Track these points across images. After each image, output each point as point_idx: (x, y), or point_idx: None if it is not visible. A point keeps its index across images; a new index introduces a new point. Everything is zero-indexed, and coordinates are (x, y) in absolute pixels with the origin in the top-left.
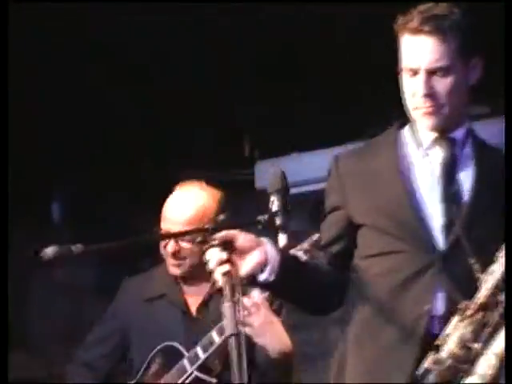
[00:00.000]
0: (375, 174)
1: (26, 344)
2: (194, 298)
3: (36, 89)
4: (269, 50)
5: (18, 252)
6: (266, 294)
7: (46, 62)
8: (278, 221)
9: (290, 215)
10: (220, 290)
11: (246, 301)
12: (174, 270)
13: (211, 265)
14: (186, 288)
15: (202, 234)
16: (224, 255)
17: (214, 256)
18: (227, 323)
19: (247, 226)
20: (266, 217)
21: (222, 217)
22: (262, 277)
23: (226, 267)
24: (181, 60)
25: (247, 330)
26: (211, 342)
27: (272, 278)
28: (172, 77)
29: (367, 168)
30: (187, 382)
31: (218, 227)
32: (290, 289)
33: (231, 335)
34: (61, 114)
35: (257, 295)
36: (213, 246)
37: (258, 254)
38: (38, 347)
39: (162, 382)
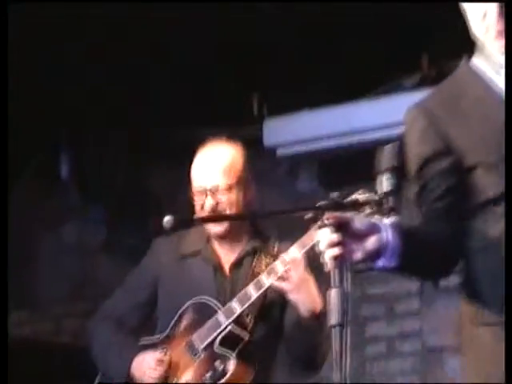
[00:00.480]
0: (472, 108)
1: (33, 302)
2: (227, 256)
3: (44, 45)
4: (278, 6)
5: (27, 210)
6: (305, 251)
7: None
8: (387, 203)
9: (401, 197)
10: (253, 252)
11: (285, 256)
12: (215, 228)
13: (321, 246)
14: (219, 246)
15: (312, 211)
16: (336, 237)
17: (325, 237)
18: (332, 311)
19: (357, 206)
20: (377, 196)
21: (334, 194)
22: (380, 263)
23: (337, 250)
24: (191, 19)
25: (284, 284)
26: (248, 297)
27: (391, 265)
28: (181, 35)
29: (460, 105)
30: (222, 335)
31: (328, 206)
32: (410, 267)
33: (336, 325)
34: (70, 70)
35: (296, 251)
36: (325, 225)
37: (376, 240)
38: (45, 305)
39: (194, 335)
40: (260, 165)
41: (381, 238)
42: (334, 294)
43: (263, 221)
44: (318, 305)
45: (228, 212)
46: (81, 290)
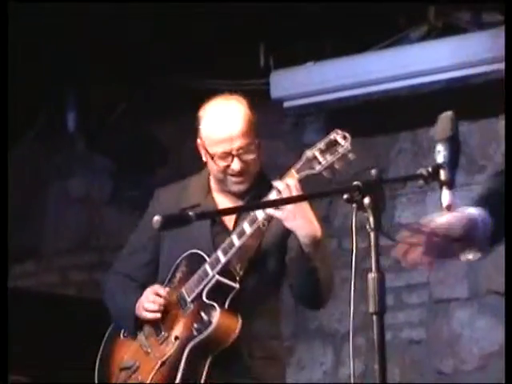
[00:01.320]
0: None
1: (39, 254)
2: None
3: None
4: None
5: (35, 163)
6: (299, 178)
7: None
8: (443, 174)
9: (458, 167)
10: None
11: (278, 184)
12: (238, 187)
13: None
14: (220, 199)
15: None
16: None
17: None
18: (371, 298)
19: (407, 180)
20: (429, 169)
21: (373, 171)
22: (468, 257)
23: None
24: None
25: (278, 213)
26: (231, 246)
27: (478, 256)
28: None
29: None
30: (209, 286)
31: (369, 182)
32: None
33: (374, 313)
34: (74, 19)
35: (290, 180)
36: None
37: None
38: (51, 257)
39: (184, 288)
40: (267, 117)
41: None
42: (372, 279)
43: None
44: (317, 230)
45: (251, 172)
46: (87, 242)
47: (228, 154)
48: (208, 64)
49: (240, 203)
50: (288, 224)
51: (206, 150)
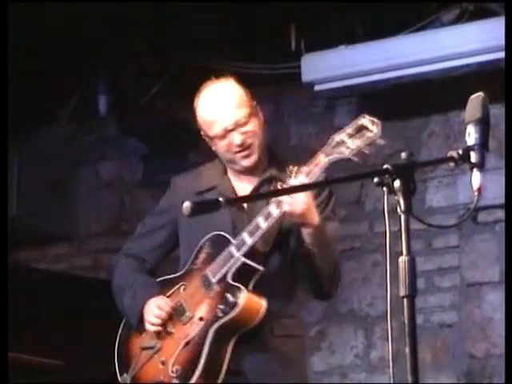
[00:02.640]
0: None
1: (71, 237)
2: (244, 188)
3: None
4: None
5: (66, 145)
6: (328, 162)
7: None
8: (474, 156)
9: (488, 150)
10: (270, 180)
11: (293, 183)
12: (246, 162)
13: None
14: (236, 179)
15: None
16: None
17: None
18: (402, 281)
19: (437, 163)
20: (459, 152)
21: (403, 154)
22: None
23: None
24: None
25: (290, 208)
26: (257, 227)
27: None
28: None
29: None
30: (234, 268)
31: (400, 166)
32: None
33: (405, 296)
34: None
35: (303, 178)
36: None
37: None
38: (83, 240)
39: (209, 269)
40: (298, 100)
41: None
42: (403, 262)
43: (281, 150)
44: (315, 218)
45: (255, 142)
46: (118, 226)
47: (226, 131)
48: (240, 47)
49: (254, 180)
50: (297, 220)
51: (208, 136)
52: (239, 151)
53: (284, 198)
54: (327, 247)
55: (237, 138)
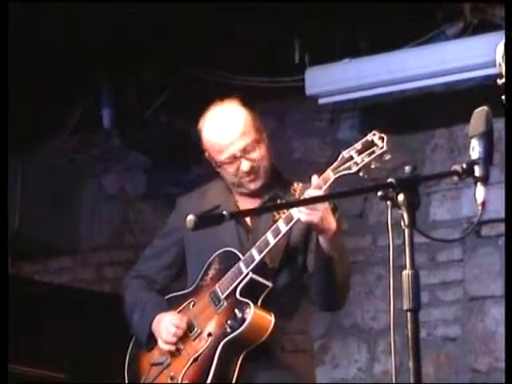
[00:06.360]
0: None
1: (74, 250)
2: (248, 206)
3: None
4: None
5: (70, 158)
6: (335, 178)
7: None
8: (478, 170)
9: (492, 164)
10: (274, 199)
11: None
12: (253, 186)
13: None
14: (240, 199)
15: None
16: None
17: None
18: (405, 295)
19: (441, 177)
20: (463, 166)
21: (407, 168)
22: None
23: None
24: None
25: (310, 217)
26: (267, 244)
27: None
28: None
29: None
30: (243, 284)
31: (403, 180)
32: None
33: (409, 310)
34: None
35: (315, 192)
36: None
37: None
38: (86, 253)
39: (218, 285)
40: (302, 114)
41: None
42: (407, 276)
43: (285, 163)
44: (333, 223)
45: (262, 168)
46: (122, 239)
47: (234, 158)
48: (244, 61)
49: (259, 199)
50: (317, 228)
51: (214, 161)
52: (246, 176)
53: (300, 209)
54: (345, 252)
55: (245, 164)
